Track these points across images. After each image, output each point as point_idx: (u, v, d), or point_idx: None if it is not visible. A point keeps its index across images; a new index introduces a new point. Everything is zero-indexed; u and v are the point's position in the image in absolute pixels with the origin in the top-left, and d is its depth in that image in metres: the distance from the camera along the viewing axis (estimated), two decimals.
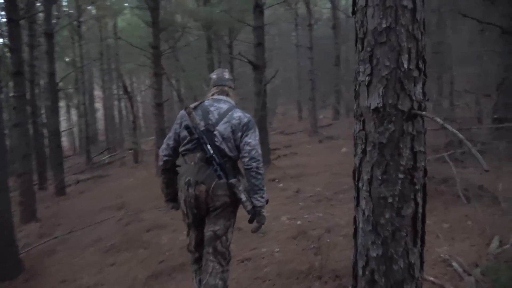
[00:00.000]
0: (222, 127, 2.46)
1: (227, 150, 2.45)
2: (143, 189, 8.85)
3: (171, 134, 2.62)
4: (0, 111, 4.95)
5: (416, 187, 1.63)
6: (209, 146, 2.40)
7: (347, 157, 9.13)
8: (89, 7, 17.29)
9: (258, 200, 2.43)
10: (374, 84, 1.62)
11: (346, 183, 6.36)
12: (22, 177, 7.19)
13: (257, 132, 2.51)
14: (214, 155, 2.39)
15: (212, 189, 2.40)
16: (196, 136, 2.43)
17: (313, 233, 4.23)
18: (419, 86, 1.62)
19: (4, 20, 10.14)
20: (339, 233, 4.14)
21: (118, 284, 3.77)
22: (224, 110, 2.52)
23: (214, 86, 2.70)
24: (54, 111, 10.67)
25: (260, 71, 8.74)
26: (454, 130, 1.46)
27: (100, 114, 26.74)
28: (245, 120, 2.49)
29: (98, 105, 26.39)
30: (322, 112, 21.18)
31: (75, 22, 15.62)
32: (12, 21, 7.04)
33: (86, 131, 16.89)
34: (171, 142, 2.59)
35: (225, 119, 2.48)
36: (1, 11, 12.41)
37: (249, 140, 2.43)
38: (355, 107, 1.75)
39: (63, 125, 20.53)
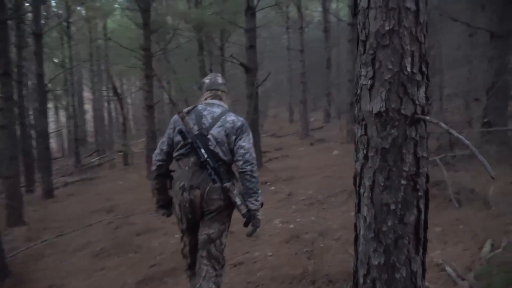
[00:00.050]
0: (215, 131, 2.46)
1: (221, 154, 2.44)
2: (133, 192, 8.77)
3: (164, 139, 2.61)
4: None
5: (419, 193, 1.60)
6: (203, 150, 2.39)
7: (339, 160, 9.21)
8: (79, 8, 17.08)
9: (252, 204, 2.43)
10: (377, 87, 1.58)
11: (338, 186, 6.37)
12: (9, 179, 7.07)
13: (250, 136, 2.53)
14: (208, 159, 2.39)
15: (206, 193, 2.39)
16: (189, 140, 2.43)
17: (306, 237, 4.23)
18: (422, 90, 1.59)
19: None
20: (332, 237, 4.13)
21: None
22: (218, 114, 2.52)
23: (207, 91, 2.70)
24: (42, 112, 10.52)
25: (252, 73, 8.73)
26: (460, 136, 1.43)
27: (89, 116, 26.53)
28: (239, 123, 2.49)
29: (88, 106, 26.16)
30: (313, 115, 21.25)
31: (64, 23, 15.44)
32: None
33: (75, 132, 16.71)
34: (164, 147, 2.59)
35: (218, 123, 2.48)
36: None
37: (243, 144, 2.44)
38: (356, 111, 1.71)
39: (52, 127, 20.30)
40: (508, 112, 7.41)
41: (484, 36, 7.74)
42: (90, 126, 26.10)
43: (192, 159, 2.43)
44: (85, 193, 10.28)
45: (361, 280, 1.69)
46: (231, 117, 2.52)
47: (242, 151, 2.41)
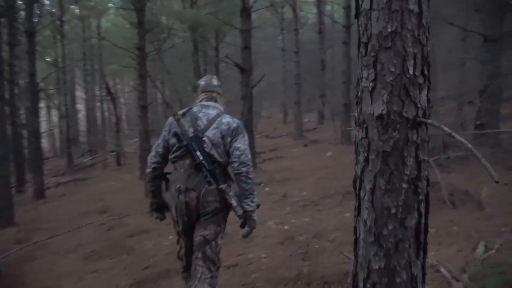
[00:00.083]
0: (211, 133, 2.46)
1: (216, 155, 2.45)
2: (126, 193, 8.72)
3: (160, 141, 2.60)
4: None
5: (420, 197, 1.59)
6: (198, 153, 2.40)
7: (333, 161, 9.23)
8: (72, 7, 16.96)
9: (248, 205, 2.43)
10: (378, 90, 1.56)
11: (332, 188, 6.38)
12: (0, 179, 6.99)
13: (246, 137, 2.54)
14: (203, 161, 2.40)
15: (202, 195, 2.40)
16: (185, 143, 2.43)
17: (300, 238, 4.22)
18: (424, 93, 1.58)
19: None
20: (327, 238, 4.13)
21: None
22: (213, 116, 2.52)
23: (202, 92, 2.70)
24: (34, 112, 10.43)
25: (247, 74, 8.72)
26: (462, 140, 1.42)
27: (82, 116, 26.33)
28: (234, 125, 2.50)
29: (80, 106, 25.97)
30: (307, 116, 21.31)
31: (57, 21, 15.33)
32: None
33: (67, 132, 16.58)
34: (160, 149, 2.58)
35: (214, 125, 2.48)
36: None
37: (239, 145, 2.44)
38: (356, 114, 1.70)
39: (43, 126, 20.08)
40: (501, 115, 7.49)
41: (477, 39, 7.80)
42: (82, 126, 25.93)
43: (188, 161, 2.43)
44: (77, 194, 10.20)
45: (361, 285, 1.67)
46: (226, 118, 2.52)
47: (237, 152, 2.42)
